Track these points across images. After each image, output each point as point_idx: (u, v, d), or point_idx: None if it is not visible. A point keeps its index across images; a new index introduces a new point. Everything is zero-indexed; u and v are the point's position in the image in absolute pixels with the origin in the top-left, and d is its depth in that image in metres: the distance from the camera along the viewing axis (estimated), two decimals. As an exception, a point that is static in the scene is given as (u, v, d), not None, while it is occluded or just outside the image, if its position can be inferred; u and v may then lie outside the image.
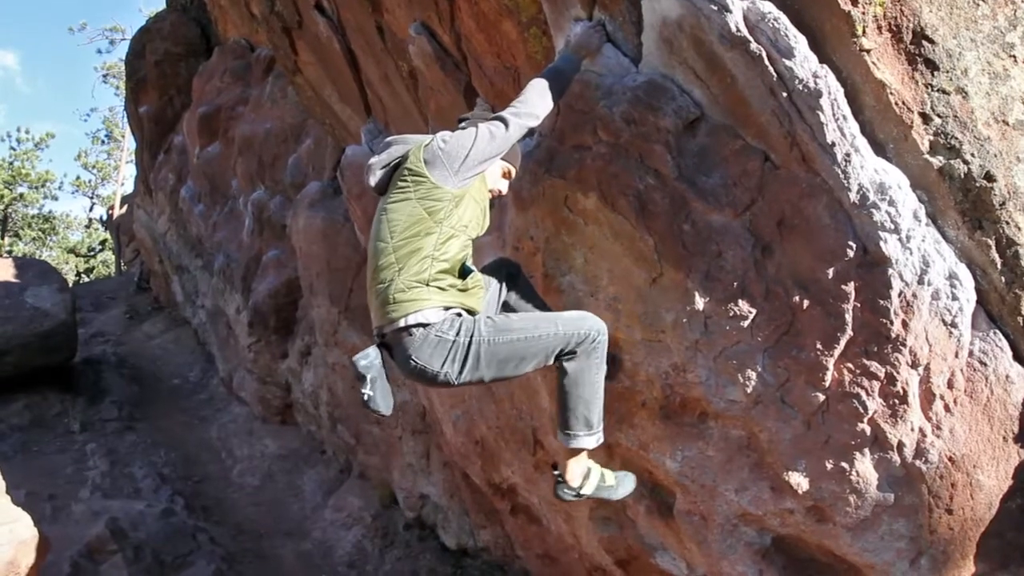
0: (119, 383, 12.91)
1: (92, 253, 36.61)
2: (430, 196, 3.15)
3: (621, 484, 3.48)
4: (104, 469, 9.53)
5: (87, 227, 38.99)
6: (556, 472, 3.40)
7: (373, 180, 3.38)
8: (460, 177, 3.19)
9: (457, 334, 3.06)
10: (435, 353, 3.05)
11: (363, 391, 3.10)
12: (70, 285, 14.39)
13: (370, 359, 3.12)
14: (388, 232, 3.18)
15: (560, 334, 3.13)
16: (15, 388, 11.33)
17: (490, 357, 3.08)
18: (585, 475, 3.36)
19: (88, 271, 34.43)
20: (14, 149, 36.13)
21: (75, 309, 12.98)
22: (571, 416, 3.23)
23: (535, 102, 3.32)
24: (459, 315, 3.15)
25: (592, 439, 3.26)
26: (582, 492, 3.35)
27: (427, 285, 3.09)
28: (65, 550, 6.95)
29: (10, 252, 33.43)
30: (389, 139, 3.45)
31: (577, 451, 3.30)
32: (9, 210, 35.12)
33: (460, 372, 3.07)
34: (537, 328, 3.14)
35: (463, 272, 3.22)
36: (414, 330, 3.05)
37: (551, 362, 3.20)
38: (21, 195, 35.41)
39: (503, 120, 3.28)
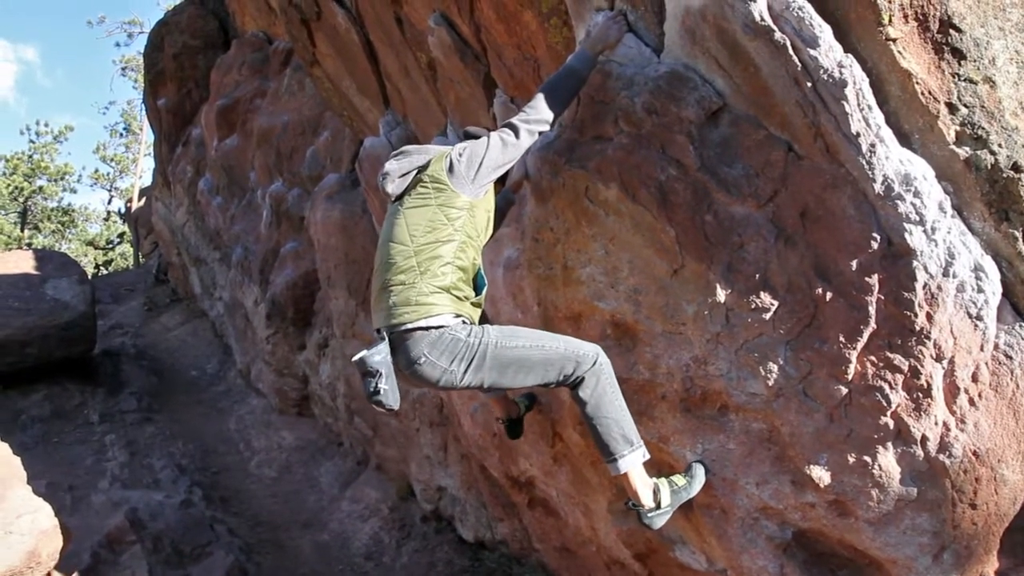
0: (138, 375, 13.01)
1: (111, 245, 36.90)
2: (450, 204, 3.30)
3: (694, 478, 3.49)
4: (123, 460, 9.59)
5: (106, 220, 39.28)
6: (630, 504, 3.42)
7: (391, 187, 3.46)
8: (476, 185, 3.35)
9: (468, 335, 3.20)
10: (445, 352, 3.16)
11: (377, 386, 3.13)
12: (89, 277, 14.45)
13: (382, 355, 3.15)
14: (407, 235, 3.29)
15: (562, 350, 3.28)
16: (36, 379, 11.43)
17: (494, 361, 3.21)
18: (655, 490, 3.39)
19: (107, 263, 34.67)
20: (33, 142, 36.48)
21: (94, 301, 13.07)
22: (610, 441, 3.31)
23: (545, 108, 3.41)
24: (467, 322, 3.31)
25: (639, 453, 3.34)
26: (663, 505, 3.38)
27: (448, 292, 3.24)
28: (85, 540, 7.00)
29: (30, 244, 33.74)
30: (405, 148, 3.57)
31: (633, 473, 3.34)
32: (29, 203, 35.45)
33: (464, 373, 3.19)
34: (542, 340, 3.30)
35: (478, 286, 3.41)
36: (432, 330, 3.15)
37: (551, 383, 3.31)
38: (40, 188, 35.73)
39: (513, 128, 3.40)
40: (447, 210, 3.30)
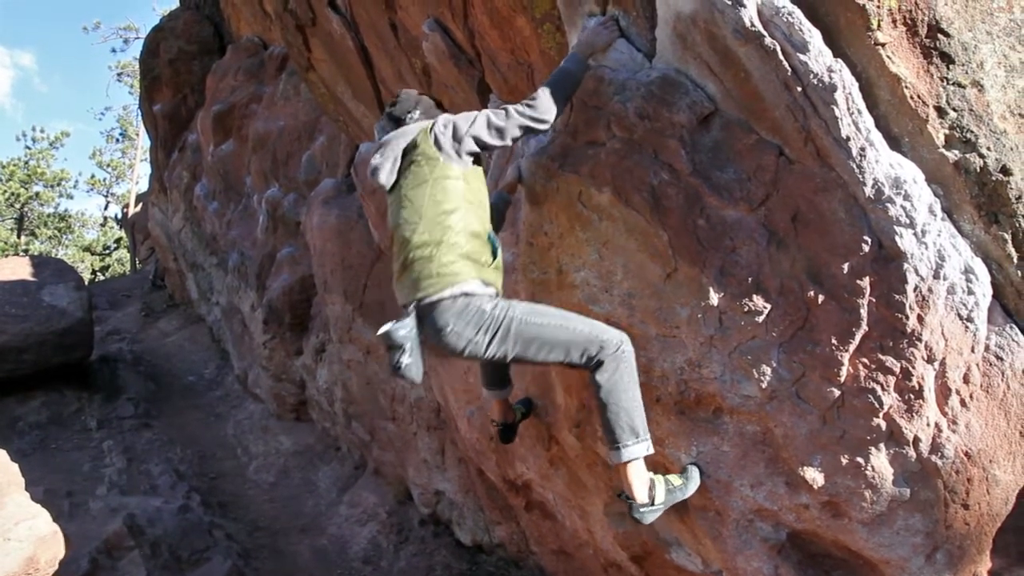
0: (135, 380, 13.00)
1: (107, 251, 36.85)
2: (445, 175, 3.38)
3: (689, 480, 3.50)
4: (121, 466, 9.59)
5: (102, 225, 39.26)
6: (622, 496, 3.43)
7: (384, 176, 3.54)
8: (462, 152, 3.42)
9: (494, 308, 3.27)
10: (471, 323, 3.23)
11: (400, 360, 3.19)
12: (86, 283, 14.45)
13: (408, 329, 3.22)
14: (416, 213, 3.38)
15: (587, 332, 3.29)
16: (33, 386, 11.43)
17: (518, 334, 3.26)
18: (651, 486, 3.39)
19: (103, 269, 34.65)
20: (29, 148, 36.47)
21: (91, 307, 13.06)
22: (616, 428, 3.31)
23: (545, 106, 3.43)
24: (496, 294, 3.39)
25: (642, 446, 3.33)
26: (657, 502, 3.37)
27: (468, 259, 3.31)
28: (83, 546, 6.99)
29: (26, 251, 33.71)
30: (383, 139, 3.62)
31: (632, 464, 3.34)
32: (25, 209, 35.42)
33: (488, 344, 3.25)
34: (567, 319, 3.34)
35: (494, 250, 3.46)
36: (459, 299, 3.23)
37: (573, 362, 3.32)
38: (37, 194, 35.70)
39: (506, 111, 3.43)
40: (444, 182, 3.37)
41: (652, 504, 3.36)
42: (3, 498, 5.92)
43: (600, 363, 3.30)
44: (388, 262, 8.05)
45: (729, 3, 3.00)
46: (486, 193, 3.58)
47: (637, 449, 3.31)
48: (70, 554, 6.46)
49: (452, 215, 3.33)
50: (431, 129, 3.47)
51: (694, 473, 3.53)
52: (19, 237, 34.72)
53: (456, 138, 3.42)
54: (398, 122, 3.72)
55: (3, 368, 11.07)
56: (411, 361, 3.22)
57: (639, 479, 3.36)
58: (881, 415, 3.11)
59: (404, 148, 3.53)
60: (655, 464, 3.73)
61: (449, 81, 5.48)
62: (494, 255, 3.46)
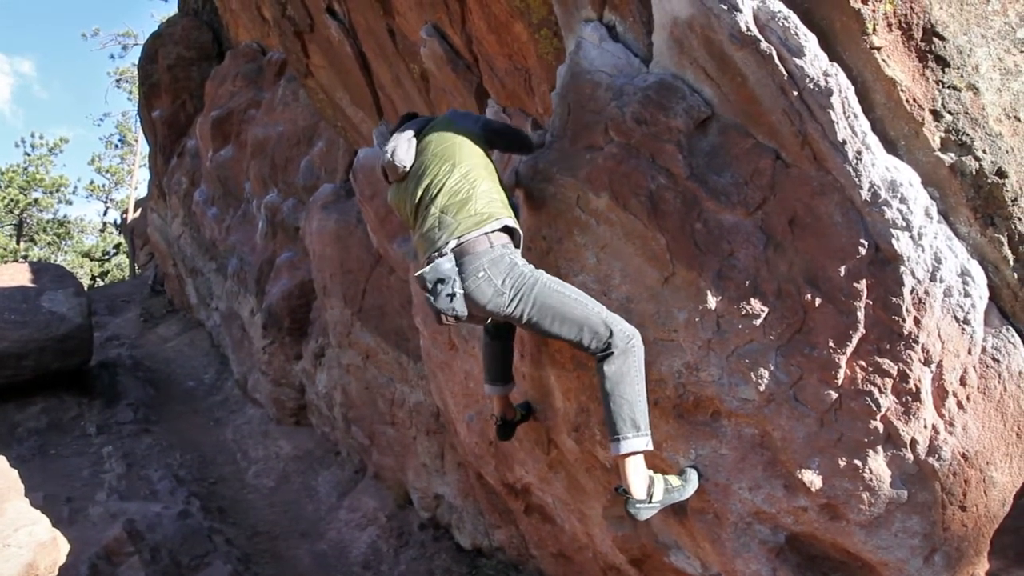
0: (134, 386, 13.01)
1: (106, 257, 36.86)
2: (464, 145, 3.61)
3: (688, 482, 3.51)
4: (120, 471, 9.60)
5: (101, 231, 39.27)
6: (619, 490, 3.44)
7: (405, 156, 3.71)
8: (478, 126, 3.74)
9: (525, 266, 3.42)
10: (502, 271, 3.34)
11: (449, 291, 3.33)
12: (85, 289, 14.45)
13: (451, 263, 3.36)
14: (440, 178, 3.53)
15: (602, 317, 3.36)
16: (32, 392, 11.45)
17: (538, 297, 3.35)
18: (650, 484, 3.39)
19: (103, 275, 34.65)
20: (28, 155, 36.44)
21: (91, 313, 13.07)
22: (617, 419, 3.33)
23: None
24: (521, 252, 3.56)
25: (642, 440, 3.34)
26: (654, 500, 3.38)
27: (500, 203, 3.50)
28: (83, 552, 7.00)
29: (25, 257, 33.71)
30: (394, 135, 3.82)
31: (632, 459, 3.35)
32: (24, 215, 35.40)
33: (512, 299, 3.35)
34: (586, 300, 3.42)
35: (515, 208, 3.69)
36: (495, 239, 3.39)
37: (583, 343, 3.38)
38: (36, 200, 35.69)
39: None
40: (468, 145, 3.61)
41: (649, 501, 3.37)
42: (3, 504, 5.93)
43: (609, 353, 3.33)
44: (387, 267, 8.07)
45: (725, 8, 3.02)
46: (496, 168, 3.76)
47: (637, 442, 3.32)
48: (70, 560, 6.48)
49: (478, 174, 3.53)
50: (444, 115, 3.77)
51: (692, 476, 3.53)
52: (18, 243, 34.73)
53: (470, 116, 3.74)
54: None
55: (3, 374, 11.09)
56: (458, 293, 3.34)
57: (638, 475, 3.37)
58: (879, 417, 3.12)
59: (416, 131, 3.76)
60: (654, 467, 3.74)
61: (447, 86, 5.50)
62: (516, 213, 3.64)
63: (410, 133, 3.75)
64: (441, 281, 3.31)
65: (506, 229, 3.48)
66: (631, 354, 3.35)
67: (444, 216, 3.45)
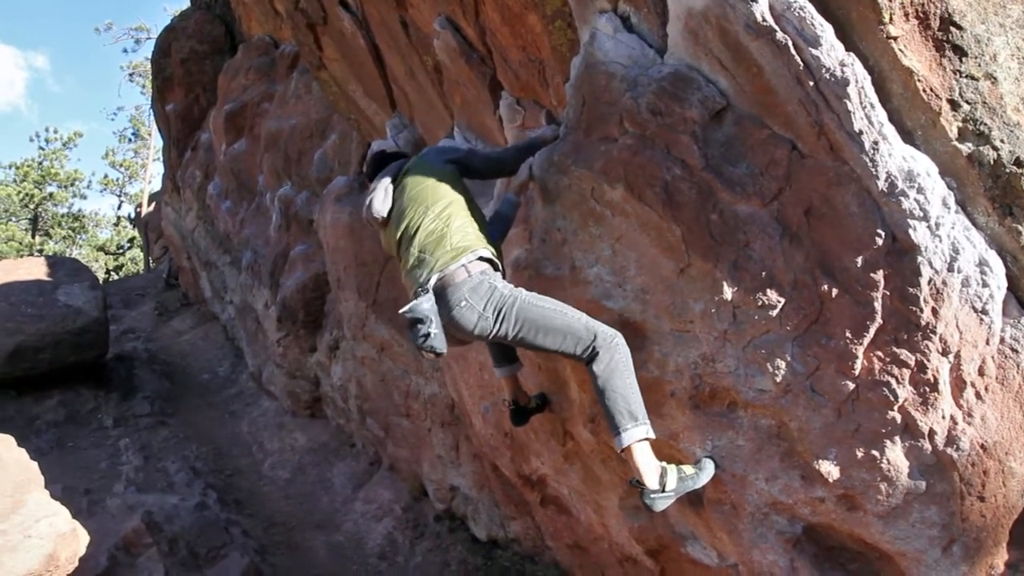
0: (150, 379, 13.07)
1: (121, 251, 37.03)
2: (441, 180, 3.86)
3: (702, 470, 3.54)
4: (138, 464, 9.64)
5: (116, 225, 39.44)
6: (634, 482, 3.47)
7: (381, 206, 4.01)
8: (449, 160, 3.98)
9: (503, 287, 3.56)
10: (483, 297, 3.51)
11: (427, 331, 3.47)
12: (100, 283, 14.53)
13: (430, 303, 3.53)
14: (416, 215, 3.79)
15: (583, 323, 3.48)
16: (49, 385, 11.51)
17: (520, 314, 3.49)
18: (662, 473, 3.42)
19: (117, 268, 34.81)
20: (43, 149, 36.59)
21: (106, 306, 13.13)
22: (615, 413, 3.40)
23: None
24: (503, 276, 3.74)
25: (642, 429, 3.39)
26: (668, 489, 3.40)
27: (472, 234, 3.70)
28: (102, 543, 7.04)
29: (41, 251, 33.89)
30: (373, 182, 4.18)
31: (639, 450, 3.39)
32: (39, 209, 35.59)
33: (496, 320, 3.50)
34: (566, 310, 3.54)
35: (491, 236, 3.87)
36: (472, 268, 3.57)
37: (568, 351, 3.49)
38: (51, 194, 35.89)
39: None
40: (439, 186, 3.83)
41: (663, 491, 3.39)
42: (23, 496, 5.98)
43: (596, 354, 3.43)
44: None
45: (741, -2, 3.01)
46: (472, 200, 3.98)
47: (637, 432, 3.37)
48: (89, 551, 6.51)
49: (453, 207, 3.77)
50: (422, 153, 4.09)
51: (708, 465, 3.55)
52: (34, 237, 34.93)
53: (445, 152, 4.03)
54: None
55: (20, 367, 11.15)
56: (437, 332, 3.48)
57: (647, 465, 3.40)
58: (896, 408, 3.11)
59: (391, 178, 4.06)
60: (669, 458, 3.75)
61: (461, 78, 5.50)
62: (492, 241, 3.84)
63: (387, 181, 4.04)
64: (420, 322, 3.48)
65: (483, 258, 3.66)
66: (616, 350, 3.45)
67: (423, 255, 3.69)
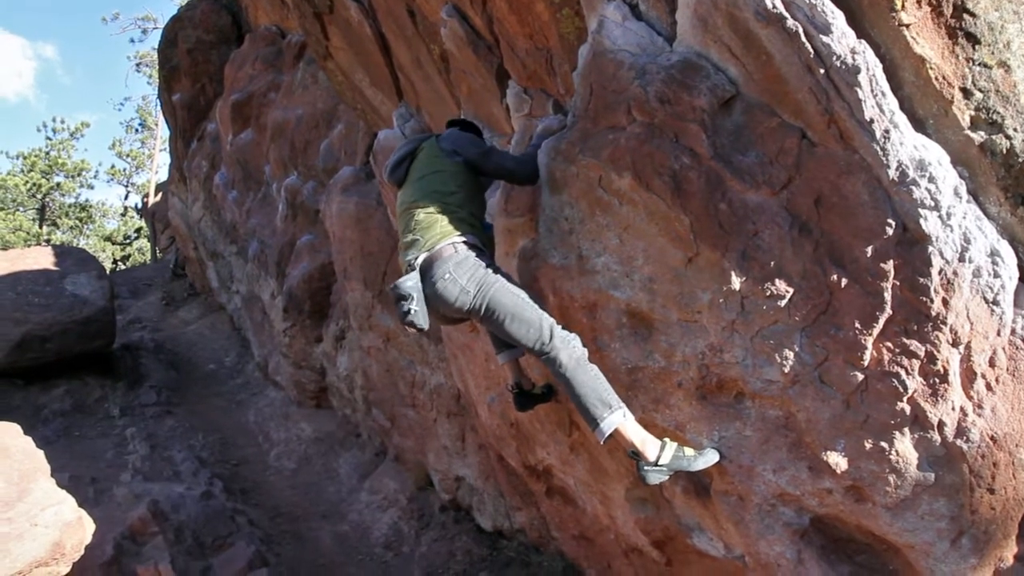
0: (157, 368, 13.10)
1: (128, 241, 37.11)
2: (447, 168, 4.01)
3: (702, 455, 3.57)
4: (144, 453, 9.68)
5: (123, 215, 39.51)
6: (631, 453, 3.57)
7: (392, 175, 4.21)
8: (460, 155, 4.07)
9: (486, 267, 3.74)
10: (466, 272, 3.67)
11: (408, 307, 3.66)
12: (107, 272, 14.55)
13: (413, 281, 3.70)
14: (422, 194, 3.95)
15: (547, 320, 3.66)
16: (56, 374, 11.56)
17: (495, 295, 3.66)
18: (661, 447, 3.54)
19: (124, 258, 34.90)
20: (50, 139, 36.64)
21: (113, 296, 13.16)
22: (590, 406, 3.53)
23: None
24: (490, 259, 3.91)
25: (618, 414, 3.51)
26: (661, 462, 3.51)
27: (466, 222, 3.89)
28: (108, 532, 7.07)
29: (48, 241, 33.96)
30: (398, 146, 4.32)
31: (623, 431, 3.50)
32: (47, 199, 35.66)
33: (473, 296, 3.66)
34: (534, 304, 3.73)
35: (485, 227, 4.16)
36: (459, 247, 3.74)
37: (529, 343, 3.67)
38: (58, 184, 35.94)
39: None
40: (443, 173, 3.98)
41: (656, 464, 3.50)
42: (30, 484, 5.98)
43: (554, 355, 3.59)
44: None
45: (751, -15, 2.98)
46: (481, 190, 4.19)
47: (615, 417, 3.49)
48: (95, 539, 6.52)
49: (454, 195, 3.93)
50: (435, 138, 4.16)
51: (710, 453, 3.56)
52: (41, 227, 34.99)
53: (455, 143, 4.06)
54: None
55: (27, 357, 11.19)
56: (418, 309, 3.67)
57: (638, 439, 3.53)
58: (905, 399, 3.09)
59: (410, 151, 4.19)
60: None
61: (468, 67, 5.48)
62: (487, 231, 4.14)
63: (408, 151, 4.20)
64: (403, 298, 3.67)
65: (469, 244, 3.82)
66: (574, 350, 3.60)
67: (414, 235, 3.85)
